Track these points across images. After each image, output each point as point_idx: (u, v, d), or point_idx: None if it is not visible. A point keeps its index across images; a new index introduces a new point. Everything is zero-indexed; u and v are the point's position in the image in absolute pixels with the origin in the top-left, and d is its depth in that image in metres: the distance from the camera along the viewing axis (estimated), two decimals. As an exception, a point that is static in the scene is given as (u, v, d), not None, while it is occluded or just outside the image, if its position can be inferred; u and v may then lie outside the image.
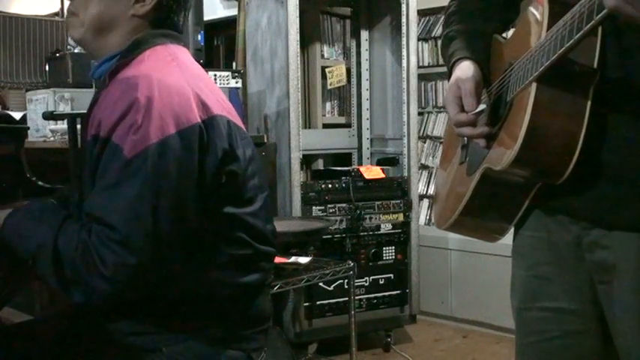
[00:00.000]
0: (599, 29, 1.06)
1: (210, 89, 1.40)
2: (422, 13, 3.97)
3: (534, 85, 1.08)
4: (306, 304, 3.25)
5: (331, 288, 3.27)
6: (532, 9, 1.15)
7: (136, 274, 1.24)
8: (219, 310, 1.40)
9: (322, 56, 3.85)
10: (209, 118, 1.32)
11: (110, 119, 1.26)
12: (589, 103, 1.07)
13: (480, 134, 1.25)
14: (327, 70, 3.78)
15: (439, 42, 4.11)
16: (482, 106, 1.25)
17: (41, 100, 3.28)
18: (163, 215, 1.25)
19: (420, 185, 4.01)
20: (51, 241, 1.27)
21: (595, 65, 1.07)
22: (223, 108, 1.39)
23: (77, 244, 1.24)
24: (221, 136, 1.33)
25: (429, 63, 4.22)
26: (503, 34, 1.39)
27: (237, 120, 1.42)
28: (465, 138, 1.38)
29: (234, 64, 4.19)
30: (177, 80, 1.32)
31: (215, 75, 3.32)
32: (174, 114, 1.27)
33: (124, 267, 1.22)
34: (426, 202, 4.18)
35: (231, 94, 3.40)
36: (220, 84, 3.31)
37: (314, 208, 3.29)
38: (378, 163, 3.74)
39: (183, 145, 1.26)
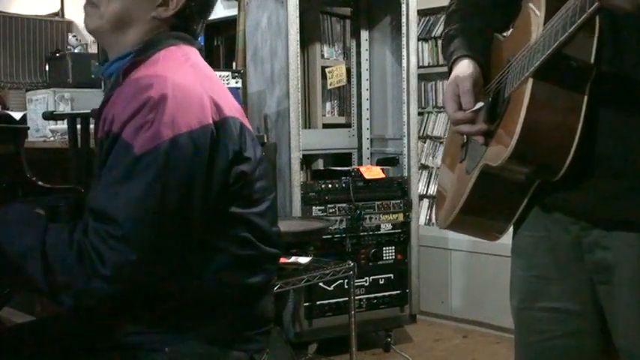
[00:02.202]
0: (597, 25, 1.07)
1: (222, 90, 1.40)
2: (422, 13, 3.96)
3: (531, 80, 1.08)
4: (306, 304, 3.25)
5: (331, 288, 3.27)
6: (531, 6, 1.16)
7: (136, 272, 1.23)
8: (222, 311, 1.40)
9: (322, 56, 3.85)
10: (221, 119, 1.32)
11: (122, 116, 1.26)
12: (586, 98, 1.07)
13: (478, 131, 1.25)
14: (327, 70, 3.78)
15: (439, 42, 4.11)
16: (480, 104, 1.25)
17: (41, 100, 3.29)
18: (168, 214, 1.24)
19: (420, 185, 4.00)
20: (38, 244, 1.24)
21: (592, 61, 1.07)
22: (235, 109, 1.39)
23: (70, 244, 1.22)
24: (232, 138, 1.34)
25: (429, 63, 4.22)
26: (504, 33, 1.39)
27: (246, 122, 1.42)
28: (465, 136, 1.38)
29: (234, 64, 4.19)
30: (191, 81, 1.32)
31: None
32: (186, 114, 1.26)
33: (124, 264, 1.21)
34: (426, 202, 4.17)
35: (232, 94, 3.39)
36: (220, 84, 3.31)
37: (314, 208, 3.29)
38: (378, 163, 3.73)
39: (194, 145, 1.26)
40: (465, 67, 1.29)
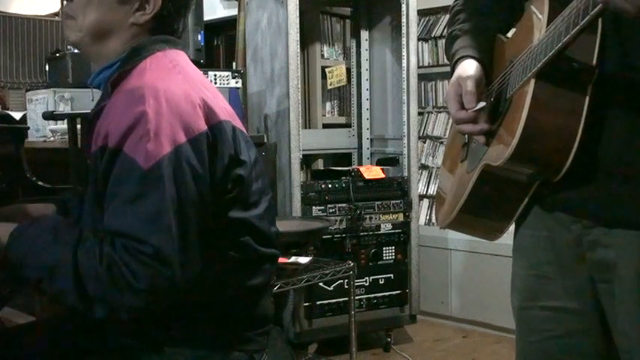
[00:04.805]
0: (599, 27, 1.07)
1: (213, 94, 1.40)
2: (422, 13, 3.96)
3: (533, 81, 1.09)
4: (306, 304, 3.25)
5: (331, 288, 3.27)
6: (534, 7, 1.16)
7: (173, 286, 1.22)
8: (222, 313, 1.39)
9: (322, 56, 3.85)
10: (215, 124, 1.32)
11: (118, 130, 1.24)
12: (587, 99, 1.08)
13: (480, 131, 1.26)
14: (327, 70, 3.78)
15: (439, 42, 4.12)
16: (482, 104, 1.26)
17: (41, 100, 3.29)
18: (189, 223, 1.24)
19: (420, 185, 4.01)
20: (70, 256, 1.22)
21: (594, 62, 1.07)
22: (227, 113, 1.39)
23: (100, 257, 1.21)
24: (227, 142, 1.33)
25: (429, 63, 4.22)
26: (507, 34, 1.39)
27: (239, 123, 1.42)
28: (466, 136, 1.38)
29: (234, 64, 4.19)
30: (182, 88, 1.31)
31: (215, 75, 3.32)
32: (183, 123, 1.26)
33: (160, 280, 1.20)
34: (426, 202, 4.17)
35: (231, 94, 3.40)
36: (220, 84, 3.31)
37: (314, 208, 3.29)
38: (378, 163, 3.73)
39: (195, 152, 1.26)
40: (467, 67, 1.30)
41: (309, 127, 3.81)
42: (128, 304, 1.21)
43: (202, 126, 1.28)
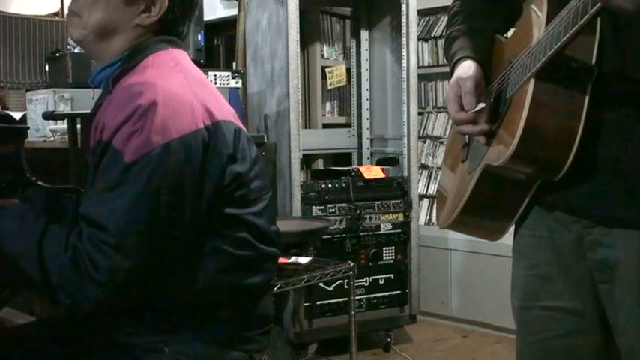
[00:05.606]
0: (597, 26, 1.07)
1: (213, 94, 1.40)
2: (422, 13, 3.96)
3: (532, 81, 1.09)
4: (306, 304, 3.25)
5: (331, 288, 3.27)
6: (532, 7, 1.16)
7: (129, 279, 1.23)
8: (222, 312, 1.40)
9: (322, 56, 3.85)
10: (213, 123, 1.32)
11: (113, 124, 1.25)
12: (587, 99, 1.08)
13: (480, 132, 1.26)
14: (327, 70, 3.78)
15: (439, 42, 4.12)
16: (481, 105, 1.26)
17: (41, 100, 3.29)
18: (160, 220, 1.24)
19: (420, 185, 4.01)
20: (35, 245, 1.24)
21: (593, 62, 1.08)
22: (228, 112, 1.39)
23: (66, 247, 1.23)
24: (225, 142, 1.33)
25: (429, 63, 4.22)
26: (506, 34, 1.39)
27: (240, 122, 1.42)
28: (466, 137, 1.38)
29: (234, 64, 4.19)
30: (181, 87, 1.32)
31: (215, 75, 3.32)
32: (177, 120, 1.26)
33: (117, 271, 1.21)
34: (426, 202, 4.17)
35: (231, 94, 3.40)
36: (220, 84, 3.31)
37: (314, 208, 3.29)
38: (378, 163, 3.74)
39: (185, 150, 1.26)
40: (466, 68, 1.30)
41: (309, 127, 3.81)
42: (89, 295, 1.23)
43: (198, 125, 1.29)
